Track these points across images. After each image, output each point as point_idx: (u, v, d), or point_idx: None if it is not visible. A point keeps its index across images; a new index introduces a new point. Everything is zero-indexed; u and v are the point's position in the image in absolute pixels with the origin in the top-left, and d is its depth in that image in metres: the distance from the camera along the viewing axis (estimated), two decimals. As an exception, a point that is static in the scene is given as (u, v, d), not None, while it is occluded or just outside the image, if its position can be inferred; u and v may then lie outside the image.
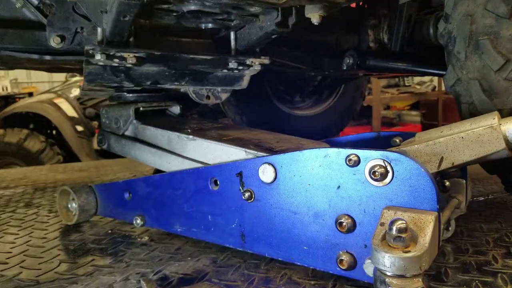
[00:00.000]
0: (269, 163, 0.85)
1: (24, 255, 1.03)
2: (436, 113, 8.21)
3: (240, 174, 0.90)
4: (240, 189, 0.90)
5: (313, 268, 0.81)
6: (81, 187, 1.24)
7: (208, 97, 1.26)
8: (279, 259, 0.86)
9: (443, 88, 8.46)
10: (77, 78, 5.80)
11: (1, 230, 1.24)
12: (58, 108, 5.16)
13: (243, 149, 0.94)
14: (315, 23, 0.90)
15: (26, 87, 10.80)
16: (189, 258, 0.95)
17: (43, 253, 1.03)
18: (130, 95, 1.23)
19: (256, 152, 0.92)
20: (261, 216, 0.88)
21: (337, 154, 0.76)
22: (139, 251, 1.02)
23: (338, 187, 0.77)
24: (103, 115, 1.27)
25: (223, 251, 0.98)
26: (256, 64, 1.12)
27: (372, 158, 0.72)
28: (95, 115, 5.81)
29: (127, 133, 1.23)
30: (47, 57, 0.96)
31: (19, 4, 0.91)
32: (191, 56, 1.03)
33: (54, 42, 0.92)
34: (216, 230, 0.96)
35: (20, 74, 11.16)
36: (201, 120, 1.29)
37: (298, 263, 0.83)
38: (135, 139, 1.20)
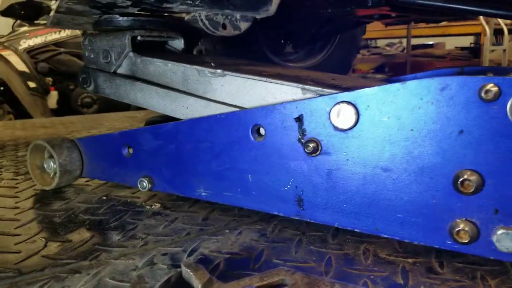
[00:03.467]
0: (348, 102, 0.62)
1: (-8, 232, 0.75)
2: (403, 75, 8.24)
3: (299, 119, 0.66)
4: (299, 139, 0.67)
5: (408, 241, 0.61)
6: (60, 140, 0.95)
7: (224, 26, 0.98)
8: (356, 230, 0.65)
9: (411, 50, 8.44)
10: (26, 28, 5.16)
11: (-47, 198, 0.94)
12: (6, 61, 4.57)
13: (300, 85, 0.70)
14: None
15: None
16: (227, 231, 0.72)
17: (19, 229, 0.76)
18: (125, 18, 0.92)
19: (320, 89, 0.68)
20: (331, 174, 0.65)
21: (463, 85, 0.54)
22: (154, 222, 0.77)
23: (461, 131, 0.55)
24: (86, 47, 0.96)
25: (268, 220, 0.76)
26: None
27: (524, 88, 0.50)
28: (49, 70, 5.24)
29: (120, 70, 0.94)
30: None
31: None
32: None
33: None
34: (260, 194, 0.73)
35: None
36: (216, 56, 1.02)
37: (386, 236, 0.63)
38: (133, 77, 0.92)
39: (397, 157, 0.60)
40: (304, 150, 0.66)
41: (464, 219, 0.57)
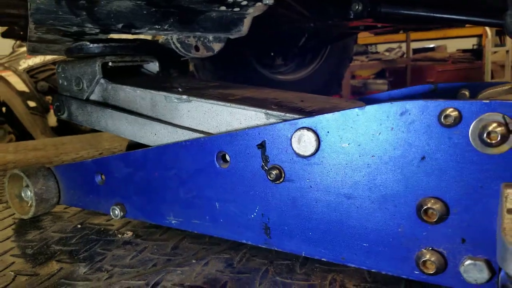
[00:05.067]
0: (309, 128, 0.60)
1: (-39, 266, 0.74)
2: (403, 80, 8.18)
3: (262, 146, 0.65)
4: (262, 166, 0.65)
5: (376, 271, 0.59)
6: (36, 169, 0.94)
7: (197, 48, 0.97)
8: (323, 259, 0.62)
9: (411, 54, 8.41)
10: (26, 48, 5.22)
11: None
12: (6, 82, 4.62)
13: (263, 110, 0.68)
14: None
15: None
16: (193, 261, 0.70)
17: (-12, 263, 0.74)
18: (95, 45, 0.92)
19: (282, 113, 0.67)
20: (295, 202, 0.63)
21: (422, 110, 0.52)
22: (122, 253, 0.75)
23: (423, 158, 0.53)
24: (59, 75, 0.96)
25: (237, 248, 0.74)
26: (268, -4, 0.84)
27: (482, 112, 0.48)
28: (48, 89, 5.29)
29: (93, 97, 0.93)
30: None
31: None
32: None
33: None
34: (227, 221, 0.71)
35: (-40, 47, 10.07)
36: (190, 79, 1.01)
37: (352, 265, 0.60)
38: (104, 104, 0.91)
39: (360, 185, 0.58)
40: (268, 177, 0.64)
41: (430, 248, 0.54)
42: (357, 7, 1.36)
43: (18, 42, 5.45)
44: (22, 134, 4.56)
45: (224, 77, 2.15)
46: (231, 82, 2.25)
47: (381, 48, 9.88)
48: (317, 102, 0.77)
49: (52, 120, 5.04)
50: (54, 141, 2.07)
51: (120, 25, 0.81)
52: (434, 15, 1.32)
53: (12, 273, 0.70)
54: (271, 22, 1.45)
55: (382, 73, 9.27)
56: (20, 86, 4.59)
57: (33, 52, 1.01)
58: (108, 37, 0.94)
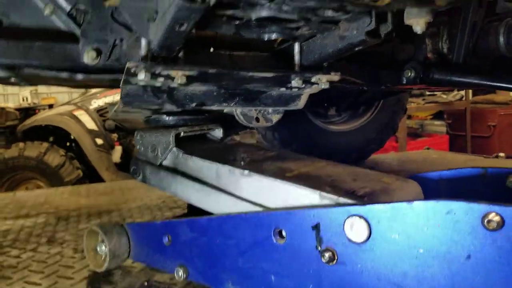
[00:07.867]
0: (360, 216, 0.65)
1: (47, 317, 0.85)
2: (463, 123, 7.88)
3: (316, 227, 0.71)
4: (316, 247, 0.71)
5: None
6: (112, 227, 1.06)
7: (257, 119, 1.07)
8: None
9: (470, 97, 8.10)
10: (97, 89, 5.72)
11: (22, 277, 1.06)
12: (78, 120, 5.07)
13: (317, 191, 0.75)
14: (419, 32, 0.71)
15: (45, 97, 10.83)
16: (250, 330, 0.76)
17: (70, 316, 0.85)
18: (170, 118, 1.05)
19: (335, 197, 0.73)
20: (347, 284, 0.68)
21: (466, 212, 0.56)
22: (185, 315, 0.83)
23: (468, 256, 0.56)
24: (137, 141, 1.09)
25: (290, 318, 0.78)
26: (322, 82, 0.93)
27: (526, 221, 0.51)
28: (115, 128, 5.72)
29: (165, 163, 1.05)
30: (79, 76, 0.79)
31: (47, 11, 0.74)
32: (250, 73, 0.84)
33: (89, 57, 0.75)
34: (282, 293, 0.76)
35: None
36: (249, 146, 1.11)
37: None
38: (175, 170, 1.02)
39: (409, 275, 0.61)
40: (321, 259, 0.70)
41: None
42: (409, 74, 1.41)
43: (90, 85, 5.97)
44: (88, 170, 4.92)
45: (278, 126, 2.25)
46: (285, 130, 2.33)
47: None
48: (369, 181, 0.82)
49: (116, 156, 5.40)
50: (120, 186, 2.25)
51: (193, 104, 0.93)
52: (487, 83, 1.34)
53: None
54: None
55: (440, 114, 8.94)
56: (91, 124, 4.99)
57: (114, 117, 1.17)
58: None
